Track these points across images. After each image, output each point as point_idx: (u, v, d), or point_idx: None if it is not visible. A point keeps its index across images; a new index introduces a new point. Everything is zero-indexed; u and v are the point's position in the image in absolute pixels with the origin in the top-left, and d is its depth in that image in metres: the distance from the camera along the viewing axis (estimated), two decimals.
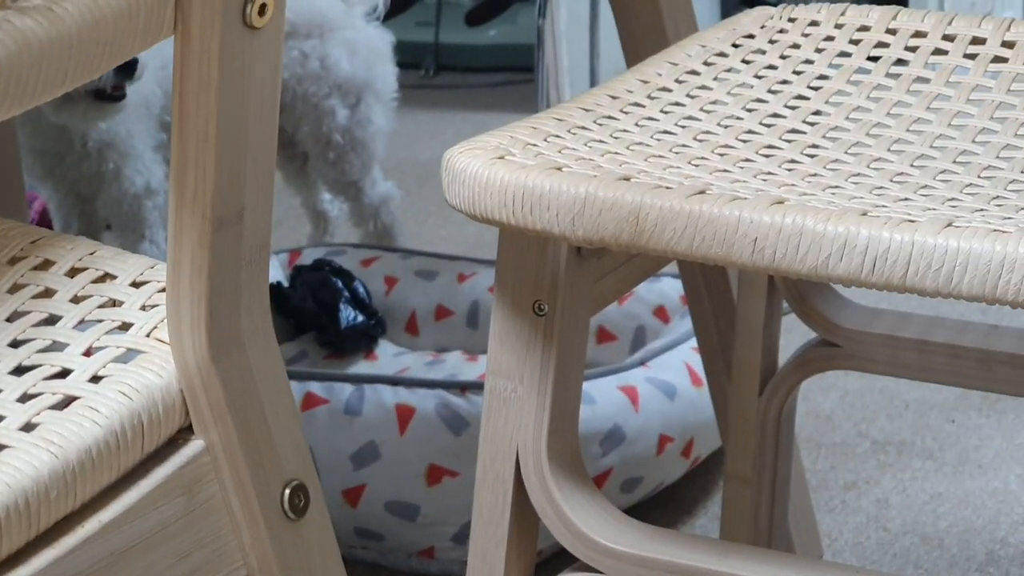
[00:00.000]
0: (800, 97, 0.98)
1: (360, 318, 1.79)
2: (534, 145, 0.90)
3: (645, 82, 0.99)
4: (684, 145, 0.92)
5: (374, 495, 1.51)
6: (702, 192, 0.83)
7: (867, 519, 1.59)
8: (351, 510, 1.52)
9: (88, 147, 1.80)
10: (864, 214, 0.80)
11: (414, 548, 1.53)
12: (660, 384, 1.57)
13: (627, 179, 0.85)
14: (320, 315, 1.79)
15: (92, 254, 0.80)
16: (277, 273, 1.86)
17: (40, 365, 0.72)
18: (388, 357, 1.79)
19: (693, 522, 1.61)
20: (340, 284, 1.81)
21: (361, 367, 1.77)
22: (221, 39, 0.68)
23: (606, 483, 1.52)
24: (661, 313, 1.76)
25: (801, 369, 1.19)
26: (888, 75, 1.00)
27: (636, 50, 1.22)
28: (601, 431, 1.51)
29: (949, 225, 0.78)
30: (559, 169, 0.86)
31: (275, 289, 1.81)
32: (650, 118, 0.95)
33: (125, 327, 0.75)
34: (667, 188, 0.84)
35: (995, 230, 0.77)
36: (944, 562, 1.52)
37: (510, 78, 2.97)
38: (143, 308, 0.76)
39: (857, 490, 1.63)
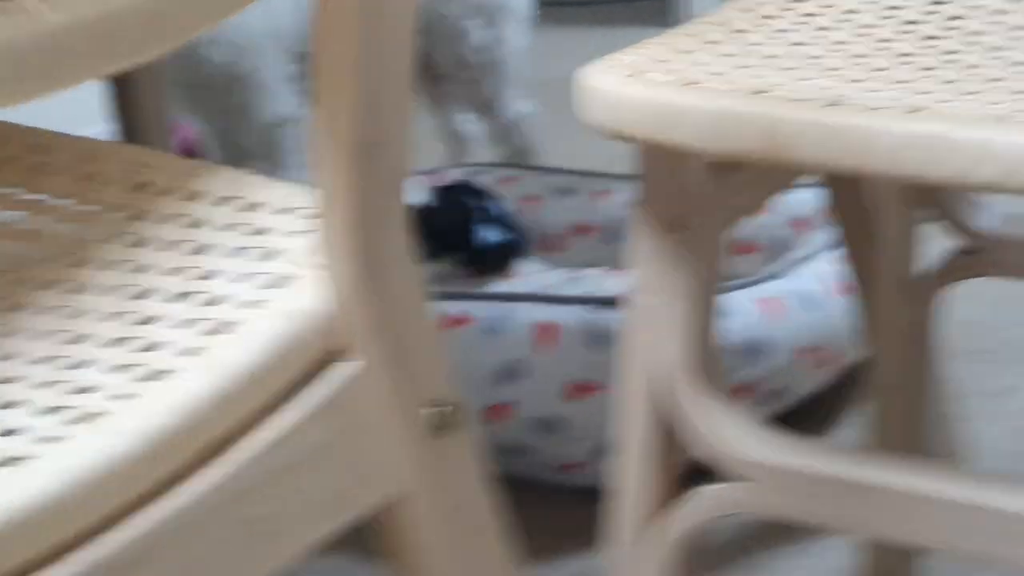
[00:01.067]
0: (937, 1, 0.97)
1: (500, 237, 1.81)
2: (667, 62, 0.90)
3: None
4: (818, 56, 0.91)
5: (516, 412, 1.53)
6: (837, 103, 0.83)
7: (1012, 428, 1.57)
8: (493, 427, 1.54)
9: (215, 81, 1.82)
10: (1001, 119, 0.79)
11: (557, 462, 1.55)
12: (797, 295, 1.57)
13: (762, 92, 0.85)
14: (460, 235, 1.81)
15: (238, 183, 0.82)
16: (417, 194, 1.89)
17: (197, 292, 0.74)
18: (528, 275, 1.81)
19: (835, 433, 1.61)
20: (480, 203, 1.82)
21: (502, 286, 1.78)
22: None
23: (744, 396, 1.53)
24: (797, 224, 1.76)
25: (944, 276, 1.19)
26: None
27: None
28: (738, 344, 1.52)
29: None
30: (693, 84, 0.86)
31: (415, 210, 1.83)
32: (783, 30, 0.95)
33: (275, 253, 0.77)
34: (802, 100, 0.83)
35: None
36: None
37: None
38: (291, 234, 0.78)
39: (1003, 398, 1.62)
